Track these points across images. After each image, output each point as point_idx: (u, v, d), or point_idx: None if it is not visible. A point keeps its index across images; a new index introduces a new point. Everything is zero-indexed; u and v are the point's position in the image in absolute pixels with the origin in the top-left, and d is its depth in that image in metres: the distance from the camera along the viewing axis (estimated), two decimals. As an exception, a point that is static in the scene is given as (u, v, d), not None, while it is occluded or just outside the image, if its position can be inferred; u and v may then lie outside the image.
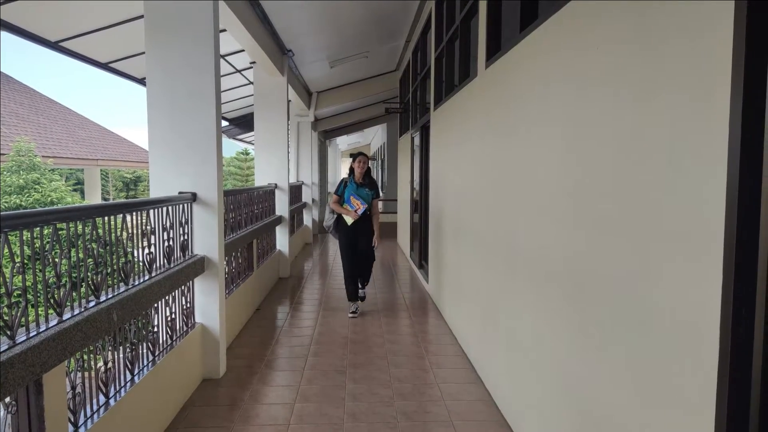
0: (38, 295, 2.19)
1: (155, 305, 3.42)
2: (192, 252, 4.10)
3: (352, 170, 6.17)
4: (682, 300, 1.60)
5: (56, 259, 2.30)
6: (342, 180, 6.25)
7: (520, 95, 3.27)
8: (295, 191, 11.50)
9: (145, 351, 3.31)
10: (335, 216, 6.24)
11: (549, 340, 2.74)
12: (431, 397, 3.86)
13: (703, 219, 1.50)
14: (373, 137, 25.37)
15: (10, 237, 1.99)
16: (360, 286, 6.46)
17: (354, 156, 6.21)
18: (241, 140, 17.77)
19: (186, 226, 3.98)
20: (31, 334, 2.05)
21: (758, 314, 1.36)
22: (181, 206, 3.91)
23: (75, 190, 19.05)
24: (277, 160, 8.61)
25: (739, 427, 1.39)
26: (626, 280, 1.94)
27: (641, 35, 1.86)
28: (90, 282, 2.61)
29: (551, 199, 2.71)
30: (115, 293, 2.78)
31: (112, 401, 2.75)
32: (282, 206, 8.66)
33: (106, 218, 2.80)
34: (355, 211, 6.00)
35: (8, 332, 1.95)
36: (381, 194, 6.19)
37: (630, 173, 1.92)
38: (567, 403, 2.50)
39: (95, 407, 2.64)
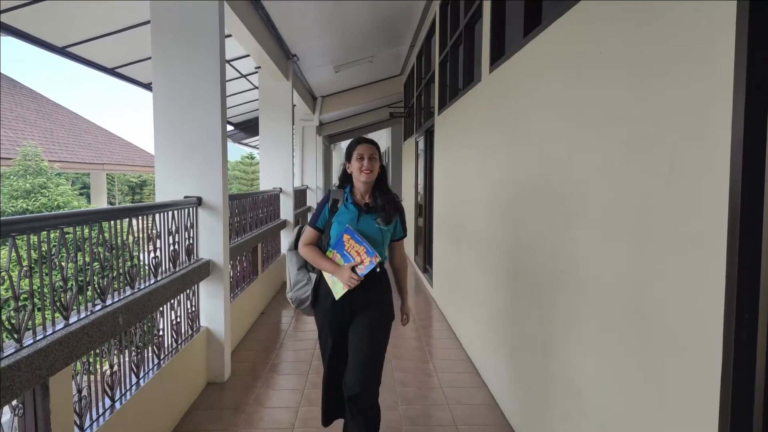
0: (45, 298, 2.21)
1: (161, 309, 3.44)
2: (197, 256, 4.12)
3: (346, 177, 2.82)
4: (684, 303, 1.60)
5: (63, 263, 2.32)
6: (327, 197, 2.81)
7: (524, 99, 3.28)
8: (300, 195, 11.53)
9: (150, 354, 3.32)
10: (312, 279, 2.84)
11: (553, 344, 2.74)
12: (435, 402, 3.86)
13: (705, 222, 1.50)
14: (378, 141, 25.42)
15: (17, 241, 2.01)
16: None
17: (351, 146, 2.78)
18: (246, 144, 17.84)
19: (191, 230, 4.00)
20: (38, 338, 2.07)
21: (761, 318, 1.36)
22: (186, 210, 3.93)
23: (81, 194, 19.15)
24: (281, 164, 8.65)
25: (742, 430, 1.39)
26: (630, 284, 1.95)
27: (643, 38, 1.87)
28: (96, 286, 2.63)
29: (554, 202, 2.72)
30: (121, 297, 2.80)
31: (117, 404, 2.76)
32: (287, 210, 8.68)
33: (112, 222, 2.82)
34: (354, 267, 2.64)
35: (15, 335, 1.97)
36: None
37: (633, 176, 1.92)
38: (570, 408, 2.50)
39: (101, 410, 2.65)
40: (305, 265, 2.87)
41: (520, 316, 3.30)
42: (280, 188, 8.54)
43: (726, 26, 1.42)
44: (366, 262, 2.62)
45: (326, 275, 2.76)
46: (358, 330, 2.73)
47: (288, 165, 8.69)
